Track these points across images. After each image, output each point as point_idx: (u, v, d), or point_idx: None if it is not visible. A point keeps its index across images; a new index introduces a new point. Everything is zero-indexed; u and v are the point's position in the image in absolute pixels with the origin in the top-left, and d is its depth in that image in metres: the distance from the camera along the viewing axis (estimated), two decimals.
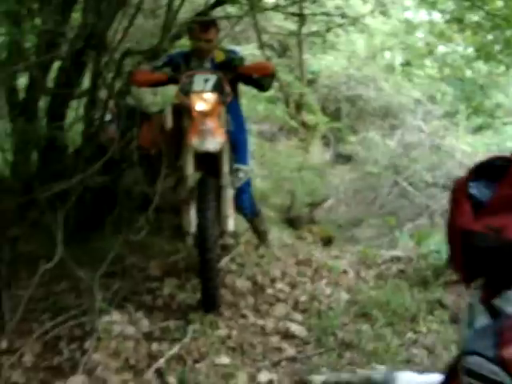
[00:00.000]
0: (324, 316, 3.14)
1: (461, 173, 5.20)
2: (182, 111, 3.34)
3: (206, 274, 3.04)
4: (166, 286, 3.30)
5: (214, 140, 3.19)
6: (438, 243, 4.08)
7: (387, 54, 6.89)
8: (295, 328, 3.01)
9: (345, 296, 3.41)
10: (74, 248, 3.26)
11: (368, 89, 6.64)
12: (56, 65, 4.14)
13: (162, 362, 2.66)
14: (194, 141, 3.18)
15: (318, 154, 6.31)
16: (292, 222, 5.22)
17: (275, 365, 2.76)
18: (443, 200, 5.55)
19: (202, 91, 3.30)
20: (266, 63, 4.14)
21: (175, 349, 2.76)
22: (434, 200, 5.49)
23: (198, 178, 3.27)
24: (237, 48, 4.18)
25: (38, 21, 3.57)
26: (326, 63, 6.78)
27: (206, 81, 3.35)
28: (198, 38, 3.51)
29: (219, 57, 3.61)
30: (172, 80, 3.48)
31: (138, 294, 3.25)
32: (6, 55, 3.64)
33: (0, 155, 4.39)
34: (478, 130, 6.11)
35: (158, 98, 4.77)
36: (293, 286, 3.48)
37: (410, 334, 3.06)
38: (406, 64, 6.72)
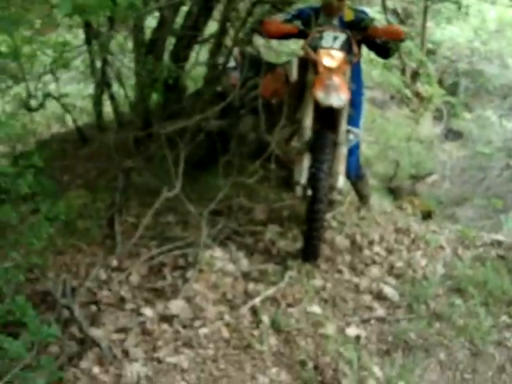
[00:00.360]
0: (418, 284, 3.13)
1: None
2: (308, 65, 3.37)
3: (313, 223, 3.09)
4: (269, 232, 3.42)
5: (339, 96, 3.21)
6: None
7: None
8: (388, 291, 3.04)
9: (440, 269, 3.37)
10: (185, 185, 3.43)
11: (492, 65, 6.32)
12: (184, 8, 4.30)
13: (257, 300, 2.80)
14: (319, 94, 3.20)
15: (429, 126, 6.13)
16: (393, 192, 5.17)
17: (364, 322, 2.82)
18: None
19: (331, 48, 3.32)
20: (397, 28, 3.90)
21: (271, 291, 2.89)
22: None
23: (316, 131, 3.29)
24: (366, 9, 4.07)
25: None
26: (449, 34, 6.50)
27: (335, 38, 3.36)
28: None
29: (348, 16, 3.60)
30: (301, 33, 3.50)
31: (240, 235, 3.39)
32: None
33: (122, 91, 4.68)
34: None
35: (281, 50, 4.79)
36: (389, 251, 3.48)
37: (504, 318, 2.99)
38: None
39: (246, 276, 3.03)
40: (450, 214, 5.02)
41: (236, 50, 3.93)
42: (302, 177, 3.23)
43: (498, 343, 2.83)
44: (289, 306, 2.82)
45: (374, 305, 2.94)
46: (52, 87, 4.70)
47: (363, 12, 3.72)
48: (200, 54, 4.19)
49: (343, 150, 3.31)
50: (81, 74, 5.56)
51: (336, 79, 3.22)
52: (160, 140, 3.62)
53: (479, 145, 5.79)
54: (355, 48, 3.40)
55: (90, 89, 5.31)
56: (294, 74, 3.40)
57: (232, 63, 3.95)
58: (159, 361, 2.38)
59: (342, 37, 3.38)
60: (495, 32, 6.60)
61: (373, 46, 3.62)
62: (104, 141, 4.57)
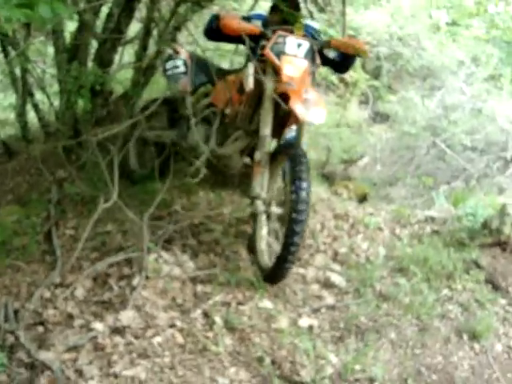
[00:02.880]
0: (362, 268, 3.22)
1: (501, 138, 5.17)
2: (266, 72, 3.14)
3: (291, 247, 2.79)
4: (211, 231, 3.41)
5: (319, 112, 2.94)
6: (473, 206, 4.07)
7: (433, 13, 6.74)
8: (335, 278, 3.10)
9: (382, 251, 3.47)
10: (122, 191, 3.36)
11: (410, 48, 6.53)
12: (104, 11, 4.20)
13: (209, 303, 2.78)
14: (299, 110, 2.89)
15: (356, 111, 6.28)
16: (327, 178, 5.26)
17: (315, 311, 2.87)
18: (480, 164, 5.53)
19: (295, 56, 3.12)
20: (358, 41, 3.71)
21: (221, 291, 2.88)
22: (471, 164, 5.45)
23: (287, 144, 3.10)
24: (314, 23, 3.77)
25: None
26: (368, 19, 6.66)
27: (299, 46, 3.16)
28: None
29: (298, 30, 3.37)
30: (262, 36, 3.22)
31: (184, 237, 3.36)
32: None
33: (46, 100, 4.52)
34: None
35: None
36: (331, 238, 3.55)
37: (445, 291, 3.13)
38: (452, 23, 6.56)
39: (194, 278, 3.01)
40: (384, 195, 5.16)
41: (185, 54, 3.76)
42: (264, 190, 3.06)
43: (443, 316, 2.96)
44: (240, 304, 2.83)
45: (323, 293, 3.00)
46: None
47: (311, 27, 3.60)
48: (125, 56, 4.11)
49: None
50: None
51: (313, 93, 2.98)
52: (91, 147, 3.51)
53: (405, 125, 5.98)
54: (317, 58, 3.26)
55: (12, 99, 5.11)
56: (250, 83, 3.14)
57: (181, 68, 3.72)
58: (115, 375, 2.33)
59: (306, 44, 3.18)
60: (411, 16, 6.82)
61: (328, 62, 3.52)
62: (32, 153, 4.41)
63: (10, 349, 2.50)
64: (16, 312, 2.73)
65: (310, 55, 3.20)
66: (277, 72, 3.09)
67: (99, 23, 4.18)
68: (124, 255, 3.11)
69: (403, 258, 3.36)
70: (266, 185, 3.08)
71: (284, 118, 3.15)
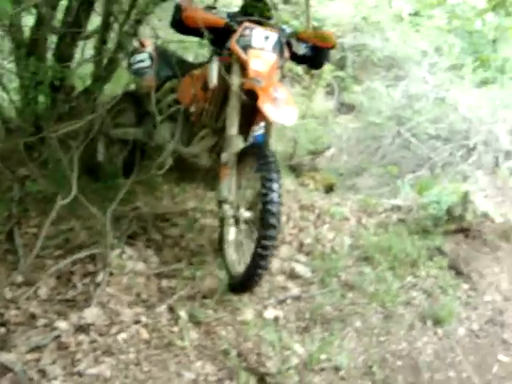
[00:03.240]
0: (327, 258, 3.25)
1: (464, 126, 5.23)
2: (231, 67, 2.99)
3: (263, 251, 2.60)
4: (175, 226, 3.39)
5: (290, 112, 2.75)
6: (438, 194, 4.15)
7: (395, 3, 6.79)
8: (300, 269, 3.12)
9: (347, 240, 3.51)
10: (85, 188, 3.32)
11: (374, 38, 6.59)
12: (63, 4, 4.11)
13: (174, 298, 2.77)
14: (269, 110, 2.70)
15: (322, 102, 6.31)
16: (294, 169, 5.28)
17: (281, 303, 2.88)
18: (445, 152, 5.61)
19: (262, 49, 2.95)
20: (328, 33, 3.43)
21: (185, 286, 2.87)
22: (435, 152, 5.52)
23: (256, 144, 2.97)
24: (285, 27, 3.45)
25: None
26: (332, 10, 6.69)
27: (267, 38, 2.99)
28: None
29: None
30: (226, 29, 3.05)
31: (147, 233, 3.34)
32: None
33: (5, 96, 4.41)
34: (484, 84, 6.07)
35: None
36: (297, 229, 3.57)
37: (409, 278, 3.18)
38: (415, 14, 6.63)
39: (159, 273, 2.99)
40: (350, 185, 5.22)
41: (151, 47, 3.61)
42: (231, 193, 2.89)
43: (407, 303, 3.01)
44: (204, 297, 2.82)
45: (289, 284, 3.01)
46: None
47: (283, 29, 3.36)
48: (85, 51, 4.04)
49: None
50: None
51: (283, 91, 2.79)
52: (52, 144, 3.45)
53: (371, 115, 6.03)
54: (286, 51, 3.08)
55: None
56: (214, 79, 2.99)
57: (147, 62, 3.58)
58: (80, 374, 2.30)
59: (274, 36, 3.01)
60: (374, 7, 6.87)
61: (300, 59, 3.34)
62: None
63: None
64: None
65: (278, 48, 3.03)
66: (243, 67, 2.93)
67: (59, 16, 4.09)
68: (87, 252, 3.06)
69: (368, 247, 3.40)
70: (233, 187, 2.91)
71: (251, 114, 2.99)
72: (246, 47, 2.94)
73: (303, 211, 3.85)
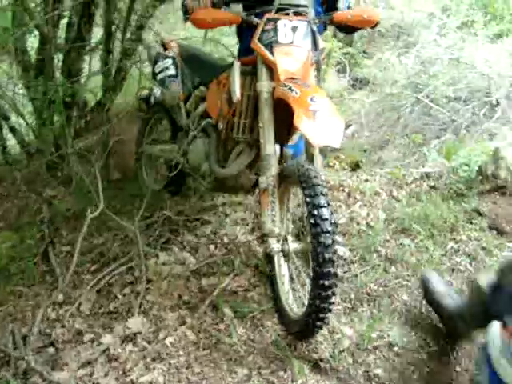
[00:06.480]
0: (364, 235, 3.18)
1: (483, 84, 5.08)
2: (258, 70, 2.54)
3: (321, 300, 2.14)
4: (207, 223, 3.36)
5: (335, 127, 2.19)
6: (467, 156, 4.04)
7: None
8: (339, 249, 3.04)
9: (382, 215, 3.43)
10: (111, 199, 3.32)
11: (379, 9, 6.46)
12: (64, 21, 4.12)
13: (214, 295, 2.74)
14: (308, 131, 2.17)
15: (335, 81, 6.21)
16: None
17: None
18: (467, 113, 5.47)
19: (291, 44, 2.49)
20: (372, 11, 2.77)
21: (225, 281, 2.84)
22: (457, 114, 5.39)
23: (300, 164, 2.29)
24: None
25: None
26: None
27: (295, 29, 2.50)
28: None
29: None
30: (246, 24, 2.62)
31: (180, 234, 3.31)
32: (13, 16, 3.62)
33: (21, 120, 4.45)
34: (499, 37, 5.90)
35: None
36: None
37: (451, 244, 3.09)
38: None
39: (198, 273, 2.97)
40: (376, 160, 5.12)
41: (175, 49, 3.24)
42: (277, 225, 2.39)
43: (452, 269, 2.92)
44: (246, 290, 2.78)
45: None
46: None
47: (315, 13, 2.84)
48: (93, 63, 4.05)
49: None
50: None
51: (322, 99, 2.25)
52: (72, 161, 3.46)
53: (386, 87, 5.92)
54: (321, 41, 2.57)
55: None
56: (237, 92, 2.55)
57: (171, 70, 3.18)
58: (133, 383, 2.29)
59: (303, 25, 2.52)
60: None
61: (342, 28, 2.87)
62: (16, 176, 4.36)
63: (24, 375, 2.46)
64: (24, 338, 2.68)
65: (311, 38, 2.53)
66: (272, 68, 2.48)
67: (61, 33, 4.10)
68: (122, 263, 3.06)
69: (404, 219, 3.31)
70: (278, 216, 2.41)
71: (288, 119, 2.34)
72: (272, 44, 2.48)
73: (333, 192, 3.79)
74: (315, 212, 2.11)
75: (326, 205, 2.13)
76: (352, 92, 6.15)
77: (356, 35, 6.40)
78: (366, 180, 4.04)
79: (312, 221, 2.12)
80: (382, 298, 2.70)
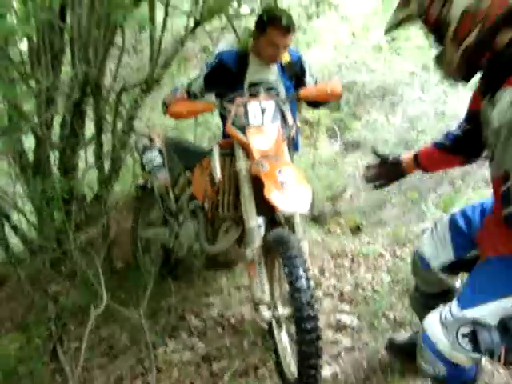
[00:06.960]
0: (371, 301, 3.16)
1: None
2: (235, 151, 2.73)
3: (307, 353, 2.20)
4: (213, 306, 3.34)
5: (302, 195, 2.37)
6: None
7: (370, 36, 6.92)
8: (346, 319, 3.03)
9: (386, 278, 3.42)
10: (115, 289, 3.32)
11: (361, 73, 6.67)
12: (57, 119, 4.25)
13: (226, 379, 2.70)
14: (276, 200, 2.33)
15: (327, 147, 6.32)
16: (317, 219, 5.23)
17: (335, 358, 2.78)
18: None
19: (261, 125, 2.68)
20: (335, 85, 3.01)
21: (236, 362, 2.80)
22: None
23: (277, 235, 2.43)
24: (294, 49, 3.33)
25: (32, 82, 3.66)
26: (313, 57, 6.80)
27: (264, 111, 2.70)
28: (274, 43, 3.00)
29: (285, 58, 3.12)
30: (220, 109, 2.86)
31: (186, 320, 3.29)
32: (8, 120, 3.74)
33: (23, 218, 4.51)
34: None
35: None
36: (334, 278, 3.50)
37: None
38: (392, 40, 6.73)
39: (208, 358, 2.93)
40: (376, 221, 5.12)
41: (160, 141, 3.47)
42: (265, 293, 2.49)
43: None
44: (257, 368, 2.74)
45: (338, 337, 2.91)
46: None
47: (293, 52, 3.27)
48: (88, 158, 4.14)
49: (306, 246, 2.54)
50: None
51: (289, 171, 2.45)
52: (74, 255, 3.49)
53: (377, 147, 5.99)
54: (289, 118, 2.76)
55: None
56: (218, 173, 2.73)
57: (158, 160, 3.40)
58: None
59: (271, 106, 2.72)
60: (351, 44, 7.00)
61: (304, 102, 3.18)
62: (21, 274, 4.36)
63: None
64: None
65: (280, 117, 2.73)
66: (246, 149, 2.67)
67: (56, 130, 4.22)
68: (132, 354, 3.03)
69: (409, 279, 3.30)
70: (266, 285, 2.51)
71: None
72: (244, 127, 2.68)
73: (336, 259, 3.79)
74: (296, 284, 2.18)
75: (302, 275, 2.20)
76: (345, 156, 6.23)
77: (343, 100, 6.56)
78: (369, 242, 4.05)
79: (292, 292, 2.19)
80: (393, 363, 2.65)
